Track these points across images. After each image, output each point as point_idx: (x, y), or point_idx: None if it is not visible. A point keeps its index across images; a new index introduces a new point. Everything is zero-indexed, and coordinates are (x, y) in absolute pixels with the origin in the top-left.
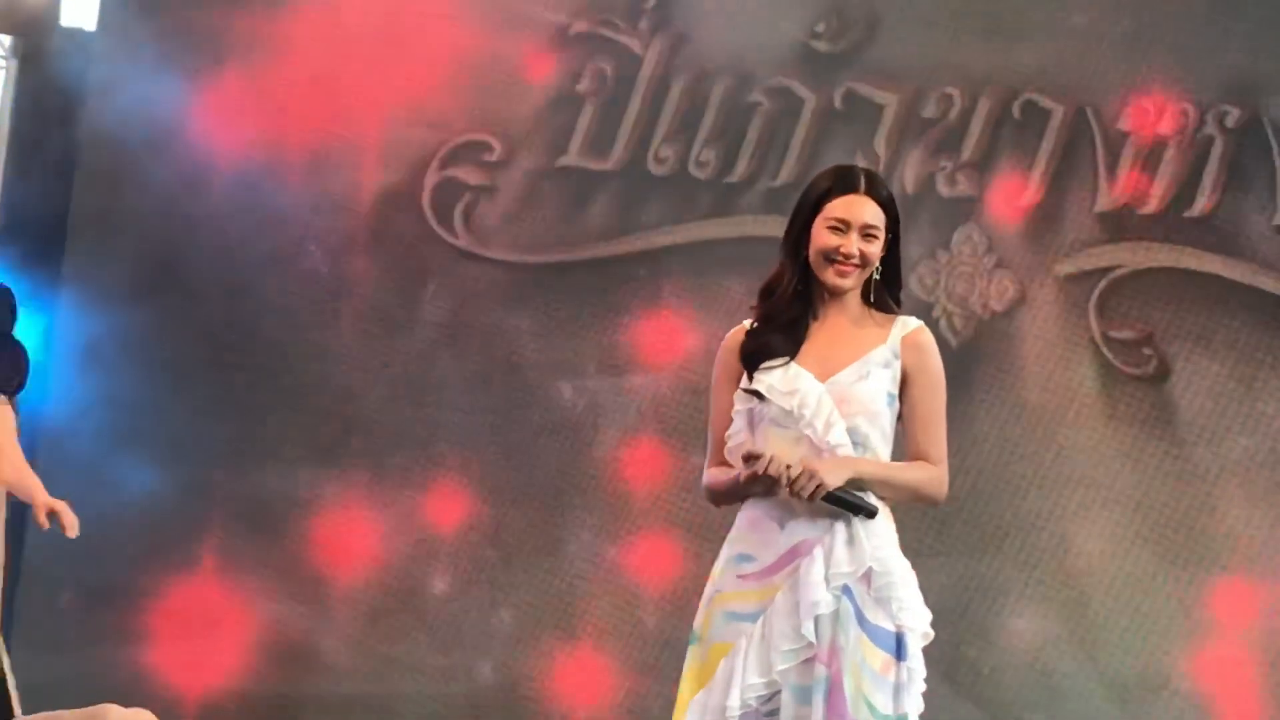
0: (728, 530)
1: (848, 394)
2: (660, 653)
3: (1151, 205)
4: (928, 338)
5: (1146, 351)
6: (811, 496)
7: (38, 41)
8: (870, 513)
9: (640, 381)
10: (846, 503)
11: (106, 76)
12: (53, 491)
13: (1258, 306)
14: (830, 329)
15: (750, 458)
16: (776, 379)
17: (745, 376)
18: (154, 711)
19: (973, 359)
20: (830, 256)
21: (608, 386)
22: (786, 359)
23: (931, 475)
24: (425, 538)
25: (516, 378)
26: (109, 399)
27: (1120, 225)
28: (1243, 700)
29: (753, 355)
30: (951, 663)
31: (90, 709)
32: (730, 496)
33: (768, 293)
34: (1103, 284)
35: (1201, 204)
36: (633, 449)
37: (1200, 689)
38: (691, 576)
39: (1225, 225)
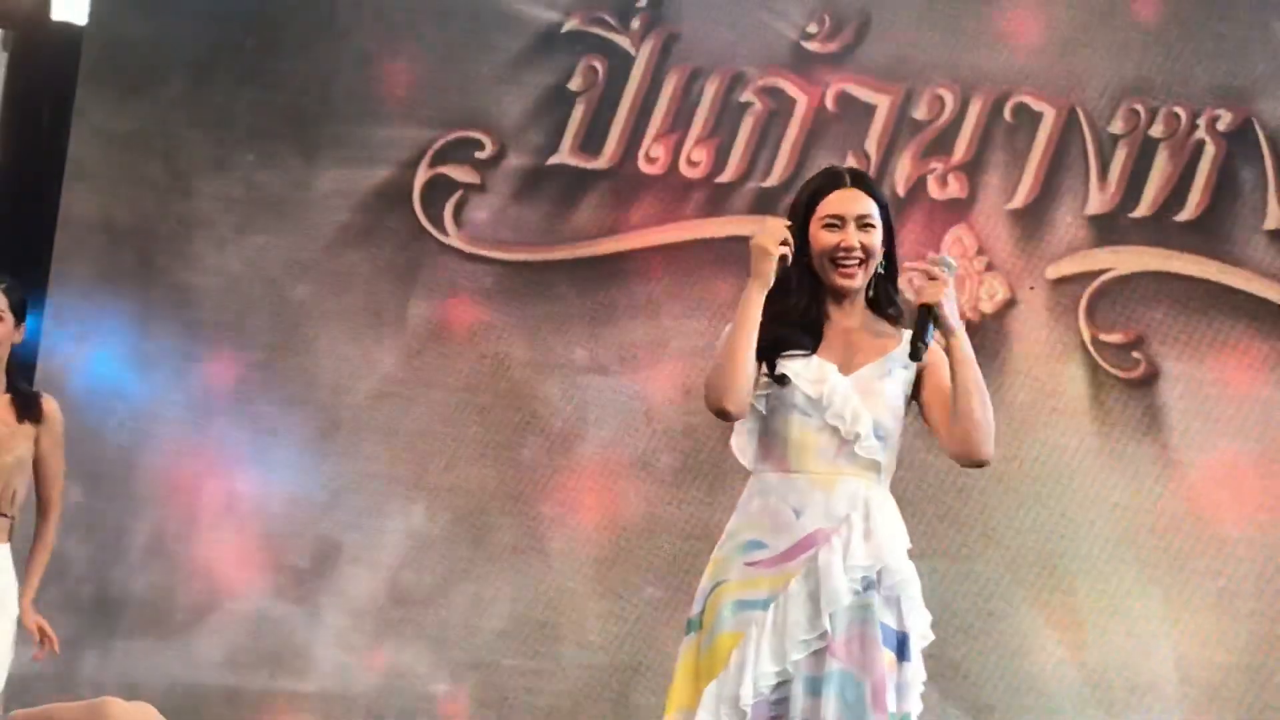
0: (716, 532)
1: (872, 389)
2: (651, 654)
3: (1142, 209)
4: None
5: (1136, 355)
6: (924, 293)
7: (29, 35)
8: (917, 354)
9: (629, 381)
10: (924, 325)
11: (97, 71)
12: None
13: (1247, 310)
14: (844, 330)
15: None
16: (801, 367)
17: (765, 364)
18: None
19: None
20: (832, 256)
21: (596, 386)
22: (809, 352)
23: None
24: (411, 535)
25: (505, 376)
26: (94, 390)
27: (1111, 228)
28: (1228, 706)
29: (773, 344)
30: (937, 664)
31: (91, 702)
32: (736, 339)
33: (773, 298)
34: (1093, 287)
35: (1192, 208)
36: (621, 448)
37: (1187, 693)
38: (681, 572)
39: (1216, 229)
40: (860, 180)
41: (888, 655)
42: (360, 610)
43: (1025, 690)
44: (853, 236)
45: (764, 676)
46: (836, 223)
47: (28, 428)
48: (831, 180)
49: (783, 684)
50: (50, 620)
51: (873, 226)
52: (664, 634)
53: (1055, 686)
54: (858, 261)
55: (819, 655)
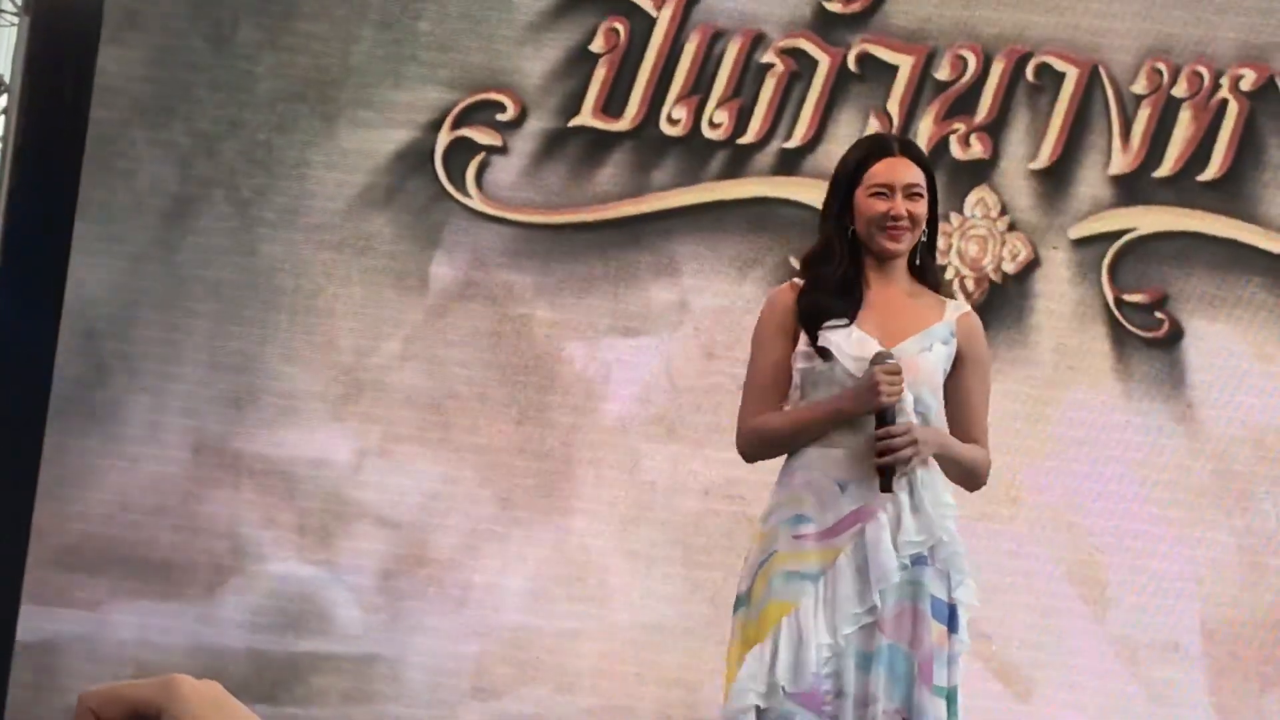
0: (739, 491)
1: (913, 364)
2: (675, 615)
3: (1165, 168)
4: (979, 323)
5: (1159, 315)
6: (902, 459)
7: None
8: (886, 488)
9: (651, 343)
10: (890, 474)
11: (118, 34)
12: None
13: (1271, 270)
14: (885, 298)
15: (881, 359)
16: (842, 339)
17: (806, 336)
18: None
19: (985, 322)
20: (880, 223)
21: (619, 347)
22: (847, 321)
23: (986, 458)
24: (434, 496)
25: (528, 338)
26: (120, 355)
27: (1134, 188)
28: (1252, 665)
29: (813, 315)
30: None
31: (160, 679)
32: (795, 438)
33: (813, 263)
34: (1116, 247)
35: (1216, 167)
36: (644, 409)
37: (1211, 652)
38: (704, 533)
39: (1239, 188)
40: (909, 149)
41: (938, 628)
42: (384, 572)
43: (1049, 650)
44: (901, 205)
45: (820, 649)
46: (885, 191)
47: None
48: (880, 148)
49: (830, 658)
50: (73, 583)
51: (920, 196)
52: (688, 595)
53: (1079, 646)
54: (905, 228)
55: (869, 630)
